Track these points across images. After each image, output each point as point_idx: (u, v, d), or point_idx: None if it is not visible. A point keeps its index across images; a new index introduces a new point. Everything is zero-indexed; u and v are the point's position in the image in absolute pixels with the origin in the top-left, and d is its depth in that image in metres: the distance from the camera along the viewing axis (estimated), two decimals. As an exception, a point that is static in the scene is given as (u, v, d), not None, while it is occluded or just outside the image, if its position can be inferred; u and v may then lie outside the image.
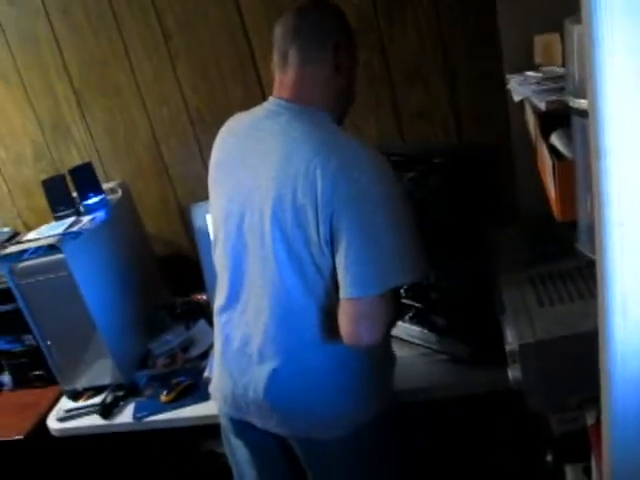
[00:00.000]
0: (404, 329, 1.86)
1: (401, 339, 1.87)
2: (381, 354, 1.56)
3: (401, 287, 1.70)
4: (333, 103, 1.49)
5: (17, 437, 2.00)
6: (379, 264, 1.34)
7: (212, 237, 1.65)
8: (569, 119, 0.96)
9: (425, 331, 1.83)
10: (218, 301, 1.61)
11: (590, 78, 0.61)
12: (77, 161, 2.45)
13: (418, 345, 1.85)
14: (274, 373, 1.46)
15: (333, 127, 1.45)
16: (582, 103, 0.88)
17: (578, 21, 0.82)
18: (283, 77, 1.49)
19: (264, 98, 1.54)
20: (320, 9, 1.51)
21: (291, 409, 1.50)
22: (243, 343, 1.53)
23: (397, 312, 1.59)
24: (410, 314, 1.86)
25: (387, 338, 1.58)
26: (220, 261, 1.58)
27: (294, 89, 1.46)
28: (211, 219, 1.67)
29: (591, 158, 0.64)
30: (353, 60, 1.53)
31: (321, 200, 1.32)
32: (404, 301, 1.83)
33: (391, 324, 1.50)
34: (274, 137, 1.44)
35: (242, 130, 1.55)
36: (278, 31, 1.49)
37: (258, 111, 1.53)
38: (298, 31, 1.46)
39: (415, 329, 1.85)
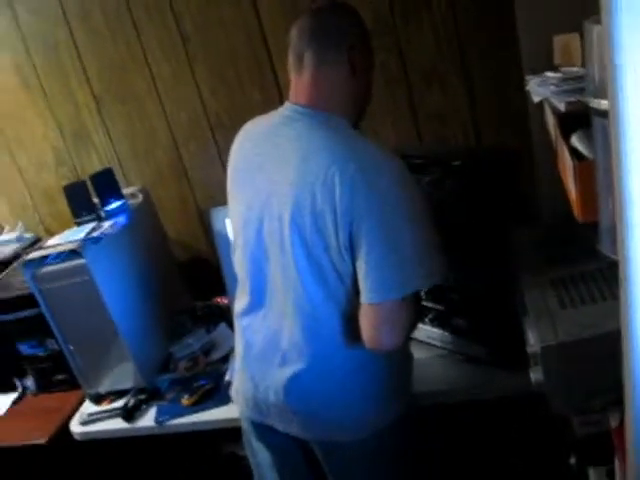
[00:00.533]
0: (425, 331, 1.86)
1: (421, 341, 1.86)
2: (401, 358, 1.56)
3: (421, 290, 1.69)
4: (349, 106, 1.48)
5: (40, 441, 2.02)
6: (399, 269, 1.33)
7: (232, 241, 1.65)
8: (589, 120, 0.95)
9: (446, 333, 1.82)
10: (239, 305, 1.61)
11: (610, 78, 0.61)
12: (97, 167, 2.47)
13: (438, 347, 1.84)
14: (295, 376, 1.47)
15: (350, 132, 1.45)
16: (602, 103, 0.87)
17: (598, 21, 0.82)
18: (298, 79, 1.48)
19: (281, 101, 1.54)
20: (336, 11, 1.50)
21: (312, 412, 1.50)
22: (265, 347, 1.53)
23: (418, 315, 1.58)
24: (431, 316, 1.85)
25: (406, 340, 1.58)
26: (240, 267, 1.58)
27: (310, 92, 1.46)
28: (230, 224, 1.68)
29: (612, 158, 0.64)
30: (369, 62, 1.52)
31: (340, 206, 1.32)
32: (425, 304, 1.83)
33: (412, 328, 1.49)
34: (291, 143, 1.43)
35: (259, 135, 1.55)
36: (294, 33, 1.48)
37: (274, 117, 1.53)
38: (314, 33, 1.45)
39: (436, 331, 1.84)
